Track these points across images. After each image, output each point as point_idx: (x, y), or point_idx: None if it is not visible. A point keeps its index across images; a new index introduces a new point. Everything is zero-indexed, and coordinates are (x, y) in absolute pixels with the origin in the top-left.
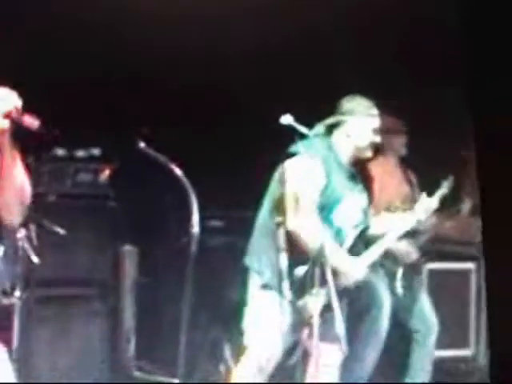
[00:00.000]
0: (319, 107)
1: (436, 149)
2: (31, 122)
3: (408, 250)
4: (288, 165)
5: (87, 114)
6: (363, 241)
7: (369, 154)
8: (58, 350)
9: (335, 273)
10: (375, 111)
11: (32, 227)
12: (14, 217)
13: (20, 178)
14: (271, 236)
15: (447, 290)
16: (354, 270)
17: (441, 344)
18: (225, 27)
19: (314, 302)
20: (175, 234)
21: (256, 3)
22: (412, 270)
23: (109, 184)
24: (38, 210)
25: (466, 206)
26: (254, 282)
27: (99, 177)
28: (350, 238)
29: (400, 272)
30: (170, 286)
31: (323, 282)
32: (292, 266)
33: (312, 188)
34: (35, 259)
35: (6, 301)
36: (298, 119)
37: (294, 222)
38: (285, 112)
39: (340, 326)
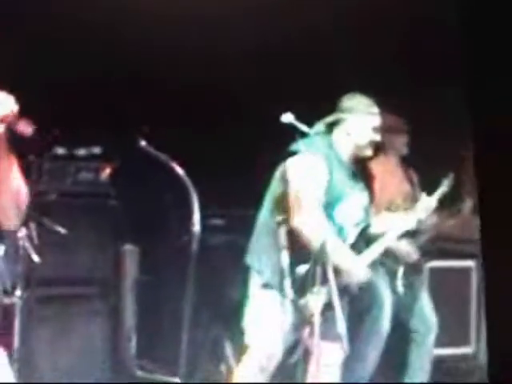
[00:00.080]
0: (319, 107)
1: (436, 148)
2: (26, 127)
3: (409, 251)
4: (290, 163)
5: (88, 113)
6: (364, 239)
7: (369, 152)
8: (58, 349)
9: (337, 271)
10: (376, 109)
11: (32, 226)
12: (11, 221)
13: (16, 182)
14: (272, 235)
15: (448, 287)
16: (356, 267)
17: (441, 342)
18: (225, 27)
19: (315, 301)
20: (176, 232)
21: (256, 3)
22: (413, 268)
23: (109, 183)
24: (39, 208)
25: (467, 204)
26: (254, 281)
27: (100, 175)
28: (351, 237)
29: (401, 271)
30: (170, 284)
31: (324, 281)
32: (293, 264)
33: (315, 185)
34: (36, 258)
35: (6, 300)
36: (298, 118)
37: (298, 220)
38: (285, 111)
39: (341, 324)
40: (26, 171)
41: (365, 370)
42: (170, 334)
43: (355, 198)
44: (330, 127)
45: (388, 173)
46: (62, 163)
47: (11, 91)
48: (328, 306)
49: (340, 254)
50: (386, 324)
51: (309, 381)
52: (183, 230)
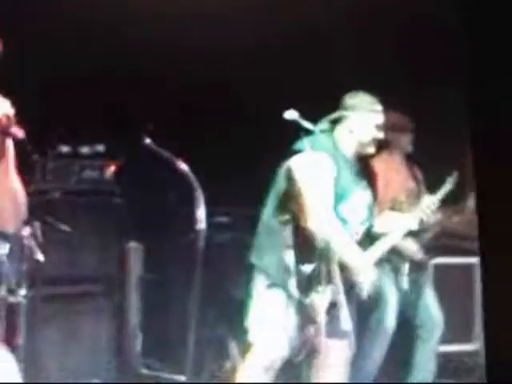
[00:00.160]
0: (319, 105)
1: (438, 147)
2: (17, 131)
3: (414, 250)
4: (295, 162)
5: (92, 111)
6: (368, 238)
7: (372, 150)
8: (64, 347)
9: (343, 269)
10: (378, 107)
11: (37, 225)
12: (10, 223)
13: (14, 184)
14: (276, 234)
15: (452, 284)
16: (365, 266)
17: (445, 339)
18: (225, 26)
19: (320, 300)
20: (181, 230)
21: (256, 2)
22: (418, 265)
23: (114, 180)
24: (43, 207)
25: (471, 201)
26: (259, 280)
27: (104, 173)
28: (357, 235)
29: (406, 268)
30: (175, 282)
31: (330, 280)
32: (298, 263)
33: (323, 184)
34: (40, 257)
35: (11, 299)
36: (300, 116)
37: (309, 220)
38: (289, 109)
39: (347, 322)
40: (30, 170)
41: (371, 367)
42: (175, 332)
43: (359, 195)
44: (333, 125)
45: (392, 170)
46: (66, 161)
47: (13, 92)
48: (334, 305)
49: (349, 252)
50: (391, 321)
51: (316, 379)
52: (188, 227)
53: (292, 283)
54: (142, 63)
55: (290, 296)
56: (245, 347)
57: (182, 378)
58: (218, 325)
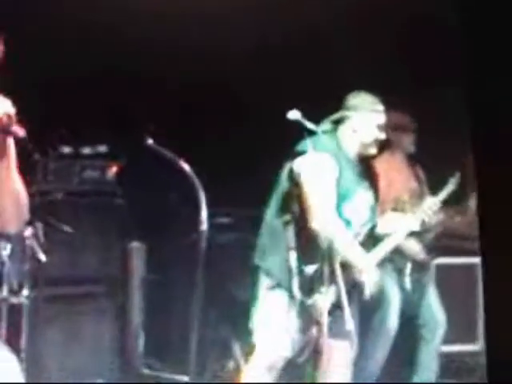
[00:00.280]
0: (319, 106)
1: (441, 146)
2: (18, 130)
3: (416, 250)
4: (298, 163)
5: (93, 112)
6: (371, 239)
7: (374, 150)
8: (66, 348)
9: (346, 269)
10: (380, 107)
11: (39, 225)
12: (12, 224)
13: (16, 184)
14: (279, 235)
15: (454, 284)
16: (368, 266)
17: (448, 339)
18: (226, 26)
19: (323, 301)
20: (183, 231)
21: (256, 1)
22: (420, 265)
23: (116, 181)
24: (45, 208)
25: (473, 201)
26: (263, 281)
27: (106, 174)
28: (359, 235)
29: (409, 267)
30: (178, 282)
31: (332, 280)
32: (301, 264)
33: (327, 185)
34: (43, 258)
35: (14, 300)
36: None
37: (314, 221)
38: (291, 109)
39: (349, 323)
40: (32, 170)
41: (374, 367)
42: (178, 332)
43: (362, 196)
44: (336, 125)
45: (394, 170)
46: (67, 162)
47: (14, 92)
48: (336, 305)
49: (353, 252)
50: (394, 321)
51: (319, 380)
52: (190, 228)
53: (295, 284)
54: (142, 63)
55: (292, 297)
56: (248, 348)
57: (185, 378)
58: (221, 325)
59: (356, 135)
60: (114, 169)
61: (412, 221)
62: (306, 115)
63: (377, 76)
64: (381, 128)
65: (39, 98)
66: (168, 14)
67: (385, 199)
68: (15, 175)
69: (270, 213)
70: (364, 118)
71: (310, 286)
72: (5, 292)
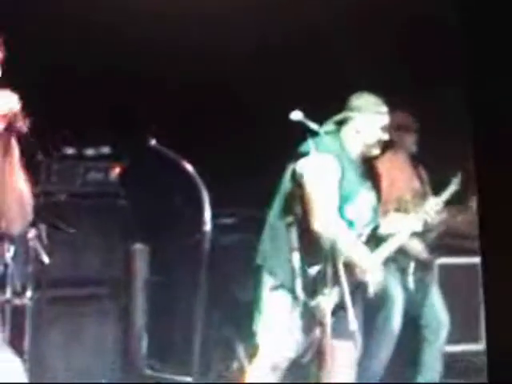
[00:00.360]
0: (319, 106)
1: (441, 146)
2: (22, 127)
3: (419, 249)
4: (301, 164)
5: (96, 113)
6: (374, 240)
7: (376, 151)
8: (69, 349)
9: (349, 270)
10: (384, 109)
11: (42, 227)
12: (16, 224)
13: (20, 184)
14: (283, 236)
15: (457, 284)
16: (372, 265)
17: (452, 339)
18: (226, 26)
19: (326, 302)
20: (187, 231)
21: (256, 1)
22: (423, 265)
23: (119, 182)
24: (49, 209)
25: (475, 201)
26: (266, 282)
27: (109, 175)
28: (362, 236)
29: (412, 267)
30: (181, 284)
31: (336, 281)
32: (304, 265)
33: (329, 186)
34: (46, 259)
35: (17, 301)
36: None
37: (316, 222)
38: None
39: (353, 323)
40: (35, 172)
41: (377, 367)
42: (181, 333)
43: (364, 197)
44: (339, 126)
45: (397, 170)
46: (71, 163)
47: (15, 92)
48: (340, 306)
49: (355, 251)
50: (397, 320)
51: (323, 380)
52: (194, 229)
53: (298, 285)
54: (142, 63)
55: (296, 298)
56: (251, 349)
57: (189, 379)
58: (224, 326)
59: (359, 136)
60: (117, 170)
61: (415, 221)
62: (306, 115)
63: (377, 76)
64: (384, 129)
65: (39, 98)
66: (168, 14)
67: (387, 199)
68: (19, 173)
69: (273, 214)
70: (367, 119)
71: (313, 287)
72: (8, 293)
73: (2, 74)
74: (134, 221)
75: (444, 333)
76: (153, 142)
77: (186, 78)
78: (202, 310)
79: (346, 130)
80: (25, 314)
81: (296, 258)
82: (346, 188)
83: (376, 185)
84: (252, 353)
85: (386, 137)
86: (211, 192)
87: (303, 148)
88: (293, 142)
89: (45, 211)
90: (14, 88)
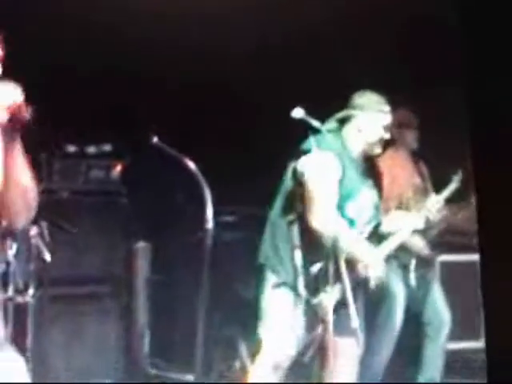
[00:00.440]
0: (319, 106)
1: (442, 145)
2: (24, 115)
3: (420, 246)
4: (302, 162)
5: (94, 112)
6: (375, 237)
7: (378, 150)
8: (71, 348)
9: (351, 266)
10: (387, 108)
11: (44, 225)
12: (20, 218)
13: (25, 178)
14: (284, 234)
15: (458, 281)
16: (374, 259)
17: (453, 336)
18: (226, 26)
19: (328, 299)
20: (188, 229)
21: (256, 2)
22: (425, 262)
23: (121, 180)
24: (50, 207)
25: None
26: (268, 280)
27: (111, 173)
28: (364, 234)
29: (413, 264)
30: (183, 282)
31: (338, 279)
32: (306, 263)
33: (329, 184)
34: (48, 257)
35: (19, 299)
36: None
37: (314, 219)
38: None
39: (355, 320)
40: (37, 170)
41: (379, 364)
42: (183, 332)
43: (366, 195)
44: (341, 124)
45: (398, 166)
46: (73, 161)
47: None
48: (341, 303)
49: (357, 247)
50: (399, 317)
51: (325, 378)
52: (196, 227)
53: (300, 283)
54: (142, 63)
55: (298, 295)
56: (254, 346)
57: (191, 378)
58: (227, 324)
59: (361, 135)
60: (119, 168)
61: (416, 219)
62: (307, 114)
63: (377, 76)
64: (386, 128)
65: (39, 98)
66: (168, 14)
67: (388, 196)
68: (23, 167)
69: (275, 212)
70: (370, 117)
71: (315, 284)
72: (10, 291)
73: (3, 73)
74: (135, 219)
75: (445, 330)
76: (154, 139)
77: (186, 78)
78: (204, 308)
79: (348, 128)
80: (27, 312)
81: (298, 255)
82: (347, 186)
83: (377, 183)
84: (254, 351)
85: (387, 136)
86: (213, 190)
87: (305, 146)
88: (294, 140)
89: (47, 209)
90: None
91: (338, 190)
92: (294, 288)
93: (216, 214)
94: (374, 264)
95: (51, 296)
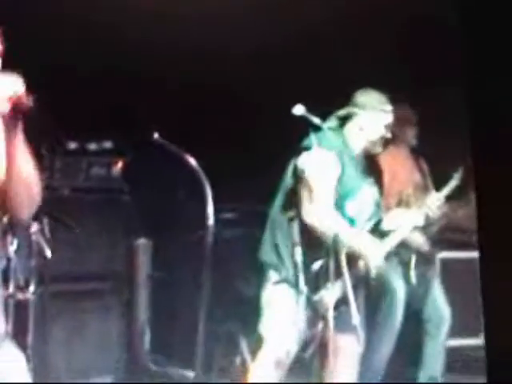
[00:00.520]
0: (319, 106)
1: (442, 144)
2: (26, 104)
3: (420, 242)
4: (302, 159)
5: (94, 112)
6: (376, 234)
7: (379, 149)
8: (72, 344)
9: (351, 262)
10: (389, 107)
11: (45, 221)
12: (23, 210)
13: (25, 170)
14: (285, 230)
15: (458, 279)
16: (374, 249)
17: (453, 333)
18: (226, 26)
19: (329, 296)
20: (189, 226)
21: (256, 2)
22: (425, 258)
23: (122, 177)
24: (51, 204)
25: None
26: (269, 277)
27: (112, 170)
28: (364, 231)
29: (414, 260)
30: (184, 279)
31: (338, 276)
32: (307, 260)
33: (326, 181)
34: (49, 254)
35: (20, 296)
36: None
37: (310, 214)
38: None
39: (356, 317)
40: (39, 166)
41: (379, 361)
42: (184, 328)
43: (366, 192)
44: (343, 121)
45: (398, 163)
46: (74, 158)
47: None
48: (342, 300)
49: (357, 239)
50: (399, 314)
51: (326, 375)
52: (197, 223)
53: (301, 280)
54: (142, 63)
55: (299, 292)
56: (255, 343)
57: (191, 374)
58: (227, 320)
59: (363, 133)
60: (120, 165)
61: (416, 216)
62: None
63: (377, 76)
64: (387, 127)
65: (39, 98)
66: (168, 14)
67: (389, 193)
68: (26, 158)
69: (275, 209)
70: (372, 116)
71: (316, 281)
72: (11, 288)
73: (2, 69)
74: (136, 216)
75: (446, 327)
76: (155, 135)
77: (186, 78)
78: (205, 304)
79: (350, 126)
80: (28, 309)
81: (298, 252)
82: (346, 185)
83: (378, 180)
84: (255, 348)
85: (388, 135)
86: (213, 188)
87: (306, 143)
88: (294, 139)
89: (48, 205)
90: None
91: (338, 188)
92: (295, 285)
93: (217, 211)
94: (373, 253)
95: (52, 293)
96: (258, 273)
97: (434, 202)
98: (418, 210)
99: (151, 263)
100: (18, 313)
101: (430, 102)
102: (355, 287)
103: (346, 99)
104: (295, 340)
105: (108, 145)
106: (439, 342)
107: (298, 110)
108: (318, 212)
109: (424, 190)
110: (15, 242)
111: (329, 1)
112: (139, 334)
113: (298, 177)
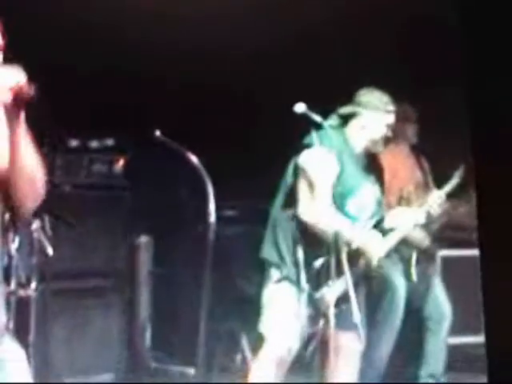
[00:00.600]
0: (319, 106)
1: (444, 143)
2: (28, 94)
3: (421, 238)
4: (302, 157)
5: (94, 112)
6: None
7: (380, 148)
8: (74, 341)
9: (352, 260)
10: (391, 107)
11: (46, 218)
12: (27, 200)
13: (29, 160)
14: (286, 228)
15: (459, 276)
16: (379, 245)
17: (454, 331)
18: (226, 27)
19: (330, 294)
20: (191, 223)
21: (256, 2)
22: (426, 256)
23: (123, 174)
24: (53, 201)
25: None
26: (270, 275)
27: (114, 167)
28: (366, 228)
29: (414, 258)
30: (186, 276)
31: (339, 273)
32: (308, 258)
33: (326, 178)
34: (50, 251)
35: (22, 293)
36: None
37: (309, 212)
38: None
39: (357, 315)
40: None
41: (381, 359)
42: (185, 325)
43: (367, 191)
44: (345, 120)
45: (399, 161)
46: (75, 156)
47: None
48: (343, 298)
49: (357, 235)
50: (400, 312)
51: (327, 372)
52: (198, 221)
53: (303, 277)
54: (142, 63)
55: (300, 290)
56: (256, 340)
57: (192, 371)
58: (228, 318)
59: (364, 132)
60: (121, 162)
61: (418, 214)
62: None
63: (377, 76)
64: (389, 127)
65: (39, 98)
66: (168, 15)
67: (390, 190)
68: (29, 148)
69: (276, 207)
70: (375, 116)
71: (317, 279)
72: (13, 285)
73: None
74: (138, 213)
75: (447, 324)
76: (157, 133)
77: (186, 78)
78: (206, 302)
79: (352, 125)
80: (29, 306)
81: (300, 250)
82: (347, 183)
83: (379, 178)
84: (256, 345)
85: (389, 134)
86: (214, 185)
87: (307, 141)
88: (296, 136)
89: (49, 202)
90: None
91: (338, 187)
92: (296, 283)
93: (218, 209)
94: (376, 247)
95: (54, 290)
96: (260, 271)
97: (435, 199)
98: (419, 208)
99: (152, 260)
100: (20, 310)
101: (430, 102)
102: (356, 285)
103: (346, 100)
104: (296, 338)
105: (109, 142)
106: (440, 338)
107: (300, 107)
108: (315, 210)
109: (425, 187)
110: (17, 240)
111: (329, 1)
112: (140, 332)
113: (298, 175)
